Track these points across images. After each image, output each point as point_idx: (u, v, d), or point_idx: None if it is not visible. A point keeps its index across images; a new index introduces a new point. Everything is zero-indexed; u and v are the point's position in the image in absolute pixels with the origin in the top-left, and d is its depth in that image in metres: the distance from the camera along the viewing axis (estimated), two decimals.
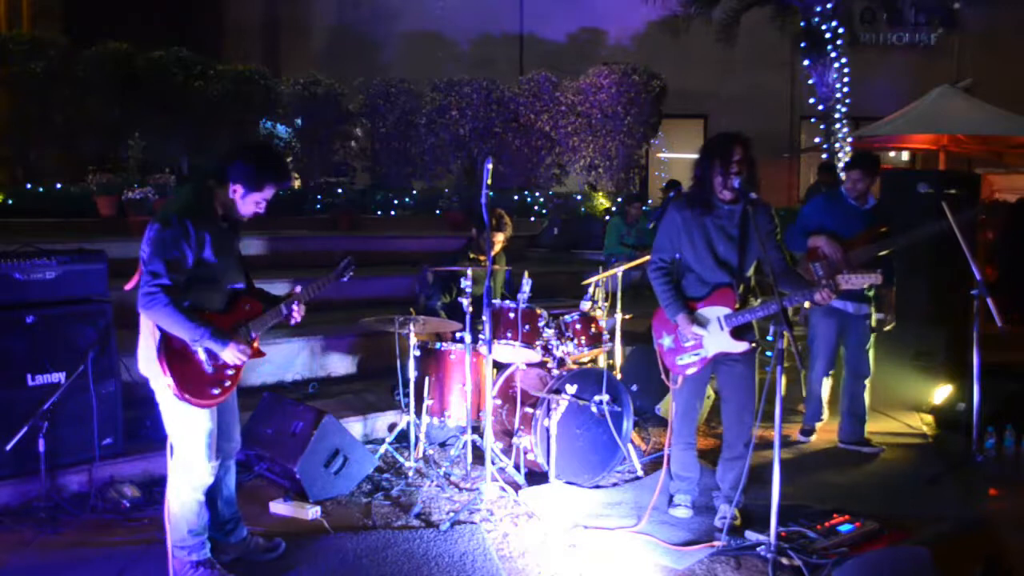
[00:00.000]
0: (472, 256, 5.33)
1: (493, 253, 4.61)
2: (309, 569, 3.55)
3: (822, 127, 12.99)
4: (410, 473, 4.61)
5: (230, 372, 3.30)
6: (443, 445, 5.20)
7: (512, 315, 4.65)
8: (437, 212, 11.70)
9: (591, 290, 5.08)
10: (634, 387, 5.65)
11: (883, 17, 16.25)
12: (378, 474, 4.59)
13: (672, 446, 4.19)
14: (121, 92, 10.57)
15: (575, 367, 4.77)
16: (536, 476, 4.57)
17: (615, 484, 4.65)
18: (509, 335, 4.64)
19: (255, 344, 3.38)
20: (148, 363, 3.21)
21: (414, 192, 12.58)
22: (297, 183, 11.82)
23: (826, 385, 5.39)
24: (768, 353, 3.52)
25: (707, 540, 3.83)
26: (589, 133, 12.85)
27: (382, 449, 4.80)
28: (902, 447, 5.34)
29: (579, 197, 12.85)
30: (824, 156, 12.70)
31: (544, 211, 12.42)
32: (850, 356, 5.25)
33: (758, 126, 10.82)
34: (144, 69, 10.81)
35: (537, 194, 12.70)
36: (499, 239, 5.30)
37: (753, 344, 3.90)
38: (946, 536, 3.96)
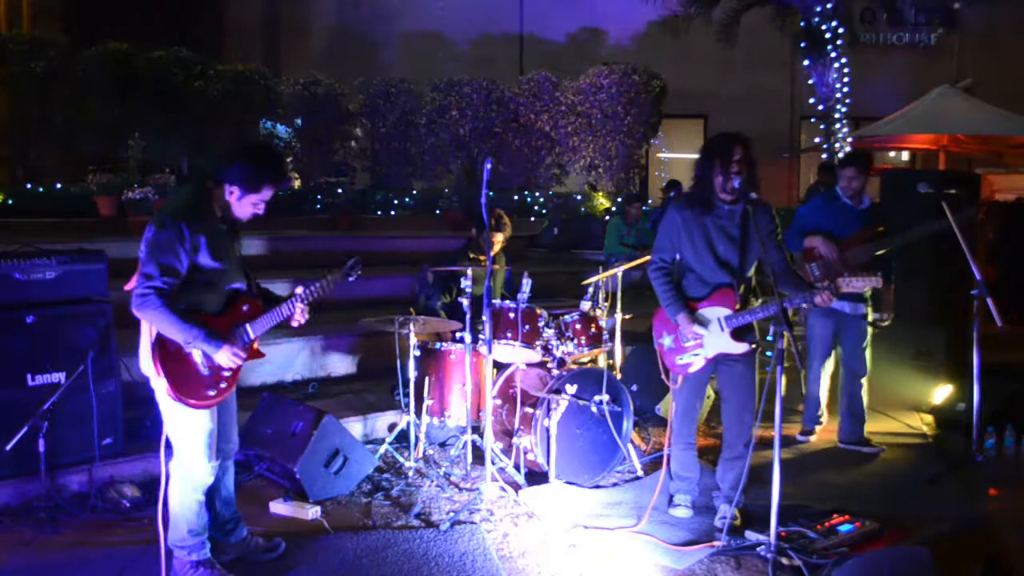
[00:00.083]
0: (472, 256, 5.33)
1: (493, 253, 4.61)
2: (309, 569, 3.55)
3: (822, 127, 12.98)
4: (410, 473, 4.61)
5: (226, 373, 3.29)
6: (443, 445, 5.20)
7: (512, 315, 4.65)
8: (437, 212, 11.70)
9: (591, 290, 5.08)
10: (634, 387, 5.65)
11: (883, 17, 16.24)
12: (378, 474, 4.59)
13: (672, 446, 4.19)
14: (121, 92, 10.56)
15: (575, 367, 4.76)
16: (536, 476, 4.57)
17: (615, 484, 4.65)
18: (509, 335, 4.64)
19: (254, 345, 3.38)
20: (147, 363, 3.21)
21: (414, 192, 12.59)
22: (297, 183, 11.81)
23: (824, 386, 5.39)
24: (768, 353, 3.52)
25: (707, 540, 3.83)
26: (589, 133, 12.84)
27: (382, 449, 4.80)
28: (902, 447, 5.34)
29: (579, 197, 12.84)
30: (824, 156, 12.69)
31: (544, 211, 12.42)
32: (847, 356, 5.25)
33: (758, 126, 10.81)
34: (144, 69, 10.81)
35: (537, 194, 12.70)
36: (499, 239, 5.31)
37: (753, 345, 3.90)
38: (946, 536, 3.96)
